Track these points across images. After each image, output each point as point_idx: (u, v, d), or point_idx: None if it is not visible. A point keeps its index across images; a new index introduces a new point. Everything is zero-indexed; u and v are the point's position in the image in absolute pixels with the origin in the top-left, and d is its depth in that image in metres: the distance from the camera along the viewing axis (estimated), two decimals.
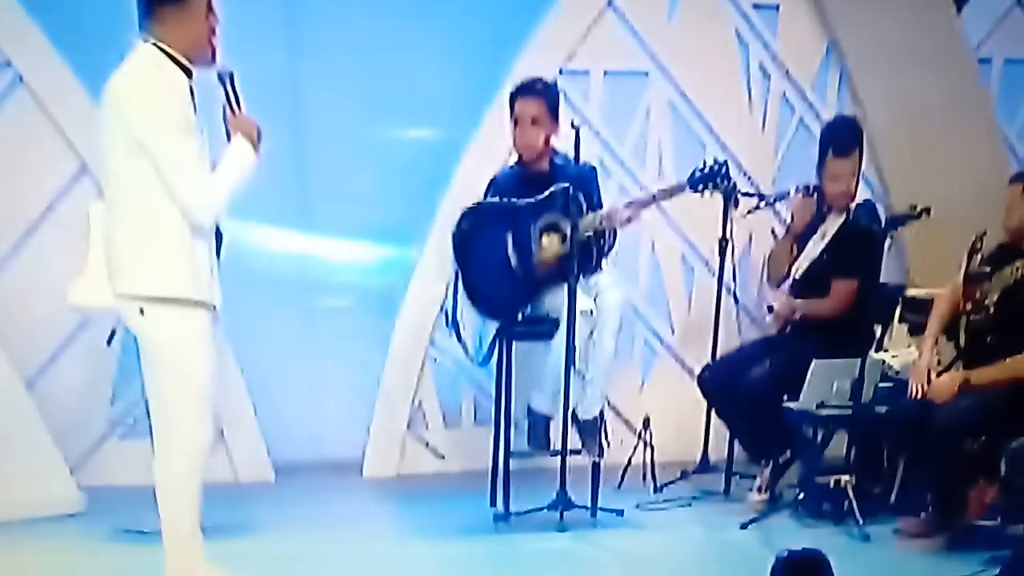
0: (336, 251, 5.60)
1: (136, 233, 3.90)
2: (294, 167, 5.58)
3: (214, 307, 4.02)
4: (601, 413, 4.93)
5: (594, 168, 5.10)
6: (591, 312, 4.77)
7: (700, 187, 4.91)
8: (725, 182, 4.95)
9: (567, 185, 4.77)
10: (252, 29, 5.41)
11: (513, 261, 4.91)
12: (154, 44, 4.00)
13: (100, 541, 4.70)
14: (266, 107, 5.36)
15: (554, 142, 4.94)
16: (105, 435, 5.36)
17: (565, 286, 4.68)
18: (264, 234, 5.52)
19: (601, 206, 4.94)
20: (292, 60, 5.56)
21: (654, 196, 4.99)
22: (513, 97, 4.93)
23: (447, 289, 5.08)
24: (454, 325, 4.96)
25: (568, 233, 4.77)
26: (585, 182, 4.92)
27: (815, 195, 5.23)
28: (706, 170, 4.91)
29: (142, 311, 3.92)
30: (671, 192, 4.98)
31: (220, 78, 4.09)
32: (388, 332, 5.49)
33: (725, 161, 5.00)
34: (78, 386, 5.31)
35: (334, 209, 5.59)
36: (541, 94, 4.89)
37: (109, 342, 4.94)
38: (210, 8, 4.03)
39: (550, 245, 4.88)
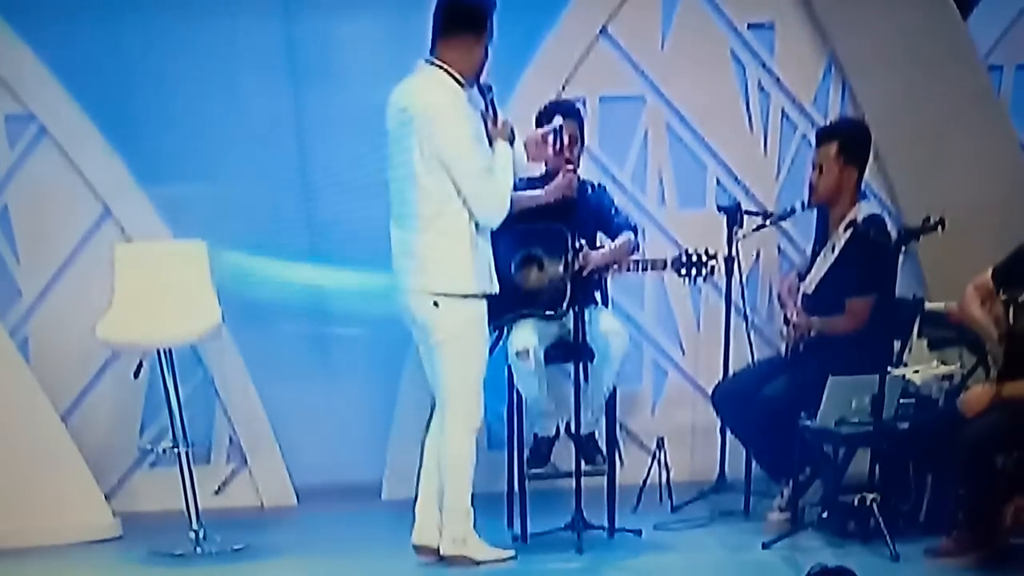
0: (346, 280, 6.65)
1: (433, 237, 5.21)
2: (302, 198, 6.70)
3: (486, 295, 5.30)
4: (600, 434, 5.87)
5: (605, 187, 6.12)
6: (526, 352, 5.63)
7: (683, 272, 5.88)
8: (708, 274, 5.88)
9: (560, 226, 5.72)
10: (255, 59, 6.58)
11: None
12: (439, 66, 5.29)
13: (137, 564, 5.75)
14: (272, 138, 6.64)
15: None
16: (135, 464, 6.51)
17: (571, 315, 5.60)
18: (275, 266, 6.63)
19: (628, 222, 5.96)
20: (296, 89, 6.66)
21: (637, 263, 5.94)
22: (547, 117, 5.84)
23: None
24: None
25: (545, 265, 5.73)
26: (605, 204, 5.94)
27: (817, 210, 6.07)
28: (694, 258, 5.88)
29: (436, 304, 5.22)
30: (654, 266, 5.96)
31: (481, 91, 5.39)
32: (402, 358, 6.47)
33: (715, 254, 5.90)
34: (109, 418, 6.46)
35: (343, 239, 6.64)
36: (575, 115, 5.93)
37: (136, 375, 6.10)
38: (491, 31, 5.32)
39: (528, 275, 5.80)
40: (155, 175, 6.58)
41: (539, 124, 5.92)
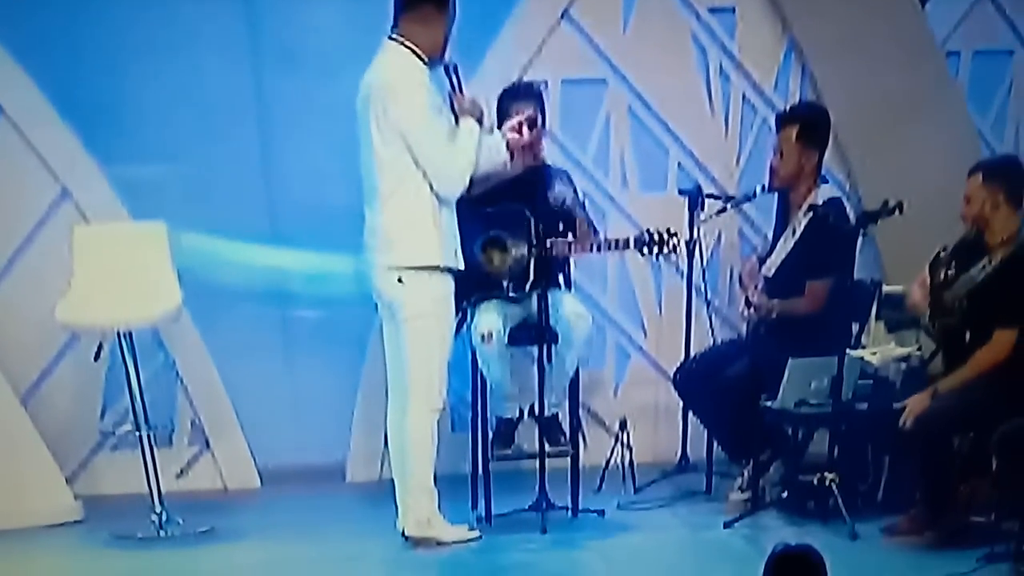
0: (308, 262, 6.76)
1: (395, 212, 5.30)
2: (263, 180, 6.80)
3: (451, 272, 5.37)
4: (563, 415, 6.01)
5: (570, 175, 6.22)
6: (490, 335, 5.76)
7: (645, 251, 5.94)
8: (670, 252, 5.94)
9: (523, 208, 5.86)
10: (216, 39, 6.66)
11: None
12: (401, 43, 5.39)
13: (99, 548, 5.83)
14: (232, 119, 6.73)
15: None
16: (96, 447, 6.60)
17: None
18: (236, 248, 6.71)
19: (584, 208, 6.06)
20: (257, 71, 6.76)
21: (600, 245, 6.01)
22: (510, 100, 5.97)
23: None
24: None
25: (509, 248, 5.84)
26: (568, 190, 6.04)
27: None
28: (655, 236, 5.94)
29: (401, 280, 5.30)
30: (617, 245, 6.02)
31: (446, 69, 5.51)
32: (365, 339, 6.58)
33: (676, 232, 5.96)
34: (69, 400, 6.54)
35: (304, 220, 6.74)
36: (537, 97, 6.06)
37: (96, 357, 6.16)
38: (453, 11, 5.42)
39: (492, 257, 5.92)
40: (114, 156, 6.64)
41: (501, 106, 6.03)
